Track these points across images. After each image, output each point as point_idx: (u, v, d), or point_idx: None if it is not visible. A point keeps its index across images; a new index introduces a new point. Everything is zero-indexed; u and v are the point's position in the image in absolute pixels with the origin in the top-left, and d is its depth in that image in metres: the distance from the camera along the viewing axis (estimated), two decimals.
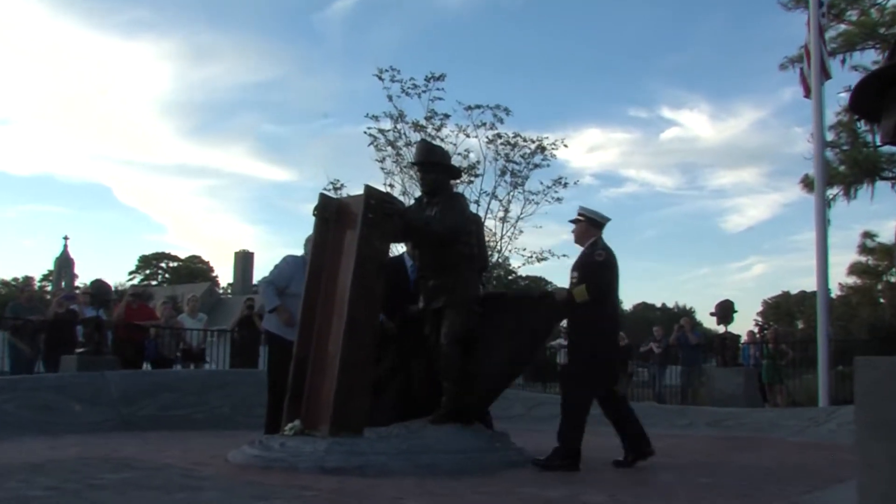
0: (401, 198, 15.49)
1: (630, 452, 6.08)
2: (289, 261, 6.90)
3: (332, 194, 11.32)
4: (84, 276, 65.40)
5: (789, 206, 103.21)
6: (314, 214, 6.08)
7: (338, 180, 20.32)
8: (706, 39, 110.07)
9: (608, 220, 6.29)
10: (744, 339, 16.25)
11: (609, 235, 6.32)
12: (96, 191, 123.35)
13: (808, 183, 18.43)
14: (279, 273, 6.85)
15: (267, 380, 6.75)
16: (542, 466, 5.70)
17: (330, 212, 6.10)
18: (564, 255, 23.27)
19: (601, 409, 6.17)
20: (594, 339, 5.93)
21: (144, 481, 4.68)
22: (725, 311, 12.20)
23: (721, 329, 12.69)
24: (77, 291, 19.52)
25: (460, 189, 18.01)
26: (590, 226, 6.21)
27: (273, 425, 6.32)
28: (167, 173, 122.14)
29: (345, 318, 5.55)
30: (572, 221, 6.35)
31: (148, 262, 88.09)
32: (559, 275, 57.90)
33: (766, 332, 21.15)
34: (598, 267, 5.99)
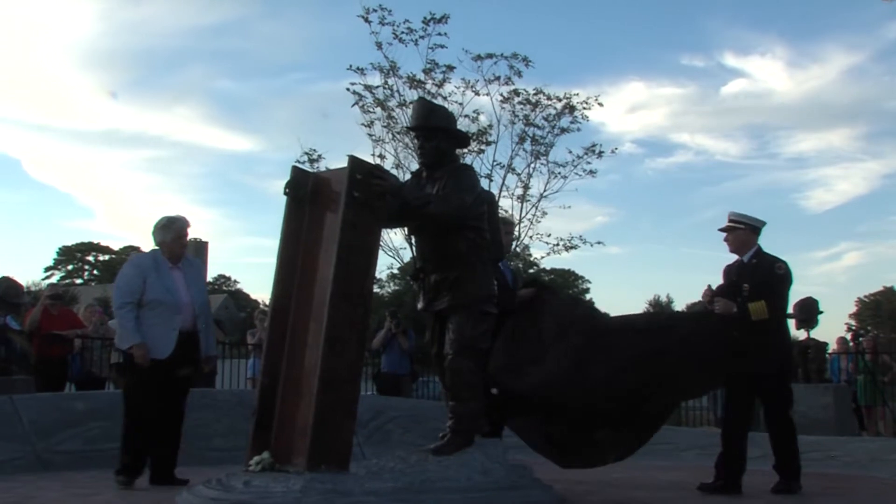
0: (394, 172, 15.55)
1: (719, 479, 7.05)
2: (134, 263, 7.19)
3: (307, 168, 11.43)
4: None
5: (893, 178, 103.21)
6: (285, 193, 6.14)
7: (314, 150, 20.51)
8: None
9: (765, 223, 7.37)
10: (832, 347, 16.30)
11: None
12: (0, 163, 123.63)
13: None
14: (126, 284, 7.04)
15: (125, 407, 7.14)
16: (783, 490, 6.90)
17: (305, 190, 6.17)
18: (599, 243, 23.47)
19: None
20: (777, 359, 7.06)
21: None
22: (808, 311, 12.25)
23: (802, 335, 12.76)
24: None
25: (468, 160, 18.12)
26: (751, 233, 7.30)
27: (133, 466, 6.85)
28: (93, 142, 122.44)
29: (324, 323, 5.62)
30: (724, 230, 7.36)
31: (71, 255, 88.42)
32: (592, 266, 58.12)
33: (861, 339, 21.14)
34: (778, 281, 7.09)
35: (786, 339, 7.39)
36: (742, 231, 7.30)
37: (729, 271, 7.39)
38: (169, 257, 7.07)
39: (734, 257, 7.30)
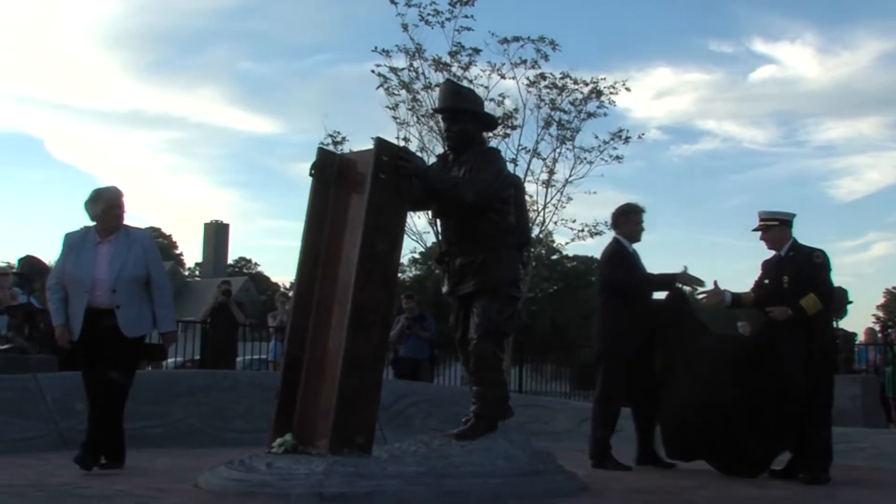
0: (419, 155, 15.60)
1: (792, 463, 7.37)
2: (63, 241, 6.96)
3: (331, 150, 11.44)
4: (6, 253, 66.01)
5: None
6: (311, 174, 6.16)
7: (338, 133, 20.56)
8: None
9: (795, 214, 7.60)
10: (860, 338, 16.23)
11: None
12: (22, 143, 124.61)
13: None
14: (55, 265, 7.07)
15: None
16: (814, 481, 6.94)
17: (330, 171, 6.18)
18: None
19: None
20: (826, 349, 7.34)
21: None
22: (837, 301, 12.20)
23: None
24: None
25: (493, 144, 18.09)
26: (785, 228, 7.50)
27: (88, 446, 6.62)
28: (116, 122, 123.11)
29: (349, 306, 5.64)
30: (759, 229, 7.53)
31: None
32: None
33: (890, 330, 21.06)
34: (819, 270, 7.35)
35: (829, 329, 7.69)
36: (776, 228, 7.49)
37: (767, 266, 7.57)
38: (101, 230, 6.83)
39: (753, 245, 7.55)
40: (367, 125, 70.77)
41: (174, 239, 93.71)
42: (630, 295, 7.76)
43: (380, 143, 6.01)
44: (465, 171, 6.25)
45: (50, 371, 9.54)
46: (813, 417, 7.15)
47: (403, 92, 20.35)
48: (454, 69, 19.94)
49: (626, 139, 21.23)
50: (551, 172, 21.15)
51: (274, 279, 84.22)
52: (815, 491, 6.67)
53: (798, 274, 7.23)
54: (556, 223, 21.74)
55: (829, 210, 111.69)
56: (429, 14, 19.74)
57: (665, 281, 7.89)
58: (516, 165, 20.21)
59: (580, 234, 21.86)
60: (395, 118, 20.51)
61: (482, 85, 19.82)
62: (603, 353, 7.80)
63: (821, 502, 6.18)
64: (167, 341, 7.18)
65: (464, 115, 6.46)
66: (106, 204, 6.84)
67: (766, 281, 7.49)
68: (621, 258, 7.90)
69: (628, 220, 8.06)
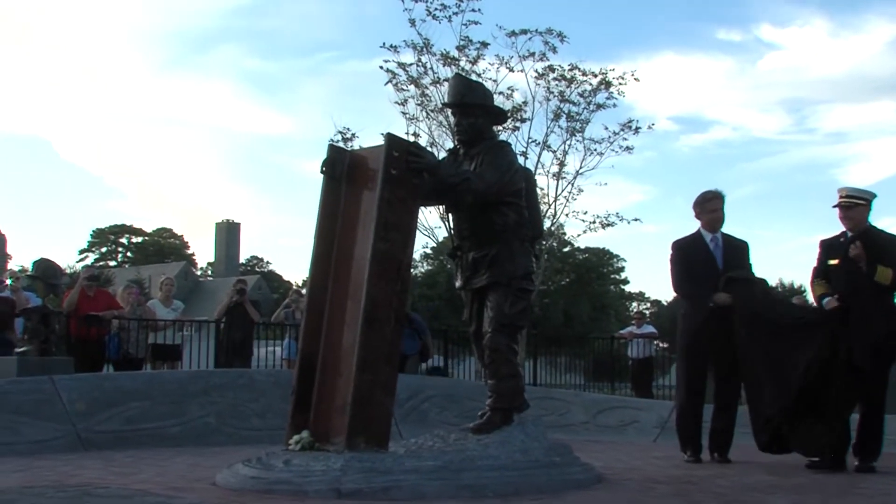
0: (430, 149, 15.63)
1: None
2: None
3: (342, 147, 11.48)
4: (19, 257, 66.26)
5: None
6: (322, 171, 6.17)
7: (347, 129, 20.56)
8: None
9: (876, 195, 7.41)
10: None
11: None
12: (32, 145, 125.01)
13: None
14: None
15: None
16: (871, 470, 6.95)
17: (341, 168, 6.19)
18: (636, 220, 23.55)
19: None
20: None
21: None
22: None
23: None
24: (11, 276, 19.79)
25: (503, 137, 18.10)
26: (868, 208, 7.27)
27: None
28: (126, 122, 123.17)
29: (363, 302, 5.65)
30: (844, 206, 7.22)
31: (104, 238, 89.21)
32: (627, 245, 57.99)
33: None
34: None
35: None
36: (864, 206, 7.27)
37: (830, 246, 7.40)
38: None
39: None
40: (376, 121, 71.09)
41: (186, 239, 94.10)
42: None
43: (390, 138, 6.01)
44: (476, 165, 6.26)
45: (67, 373, 9.57)
46: (874, 404, 7.16)
47: (412, 87, 20.39)
48: (462, 63, 19.96)
49: (636, 129, 21.25)
50: (562, 164, 21.20)
51: (286, 277, 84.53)
52: (836, 478, 6.65)
53: (880, 252, 7.04)
54: (567, 215, 21.81)
55: None
56: (436, 9, 19.78)
57: (696, 300, 7.69)
58: (526, 158, 20.26)
59: (592, 225, 21.96)
60: (404, 114, 20.56)
61: (491, 78, 19.86)
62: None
63: (843, 490, 6.16)
64: None
65: (474, 109, 6.46)
66: None
67: (835, 262, 7.29)
68: (678, 259, 7.85)
69: (703, 209, 7.90)
